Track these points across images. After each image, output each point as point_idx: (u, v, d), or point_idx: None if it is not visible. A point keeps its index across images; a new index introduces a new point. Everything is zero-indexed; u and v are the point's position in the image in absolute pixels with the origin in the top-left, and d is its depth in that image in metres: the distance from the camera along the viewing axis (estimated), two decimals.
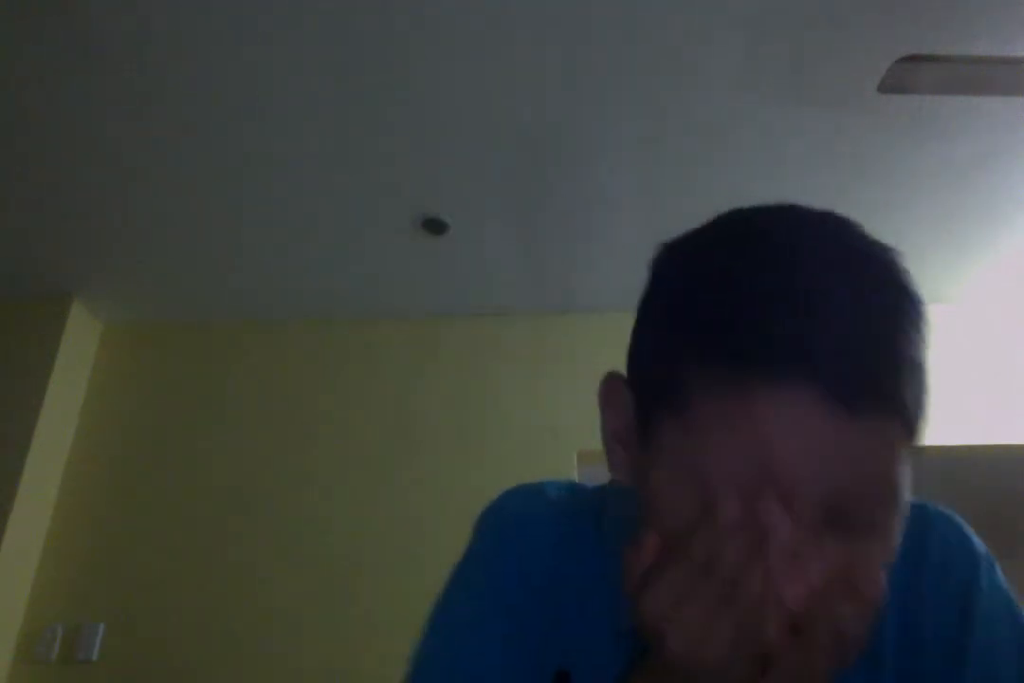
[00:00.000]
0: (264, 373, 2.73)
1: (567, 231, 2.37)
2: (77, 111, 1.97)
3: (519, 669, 0.55)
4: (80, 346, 2.68)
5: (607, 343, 3.08)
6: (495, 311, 2.71)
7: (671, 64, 1.86)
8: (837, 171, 2.16)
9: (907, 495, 0.47)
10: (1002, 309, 2.67)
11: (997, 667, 0.52)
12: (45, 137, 2.06)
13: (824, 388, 0.43)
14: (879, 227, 2.08)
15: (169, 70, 1.87)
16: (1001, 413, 2.51)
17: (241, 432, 2.62)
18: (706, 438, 0.45)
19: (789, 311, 0.45)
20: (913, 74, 1.57)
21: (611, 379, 0.55)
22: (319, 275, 2.62)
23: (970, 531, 0.57)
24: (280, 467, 2.54)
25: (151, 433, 2.64)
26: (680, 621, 0.42)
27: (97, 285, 2.63)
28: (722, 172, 2.16)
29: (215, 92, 1.93)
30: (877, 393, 0.45)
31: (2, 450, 2.42)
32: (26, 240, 2.43)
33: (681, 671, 0.43)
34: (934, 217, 2.32)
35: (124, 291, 2.68)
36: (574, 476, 2.45)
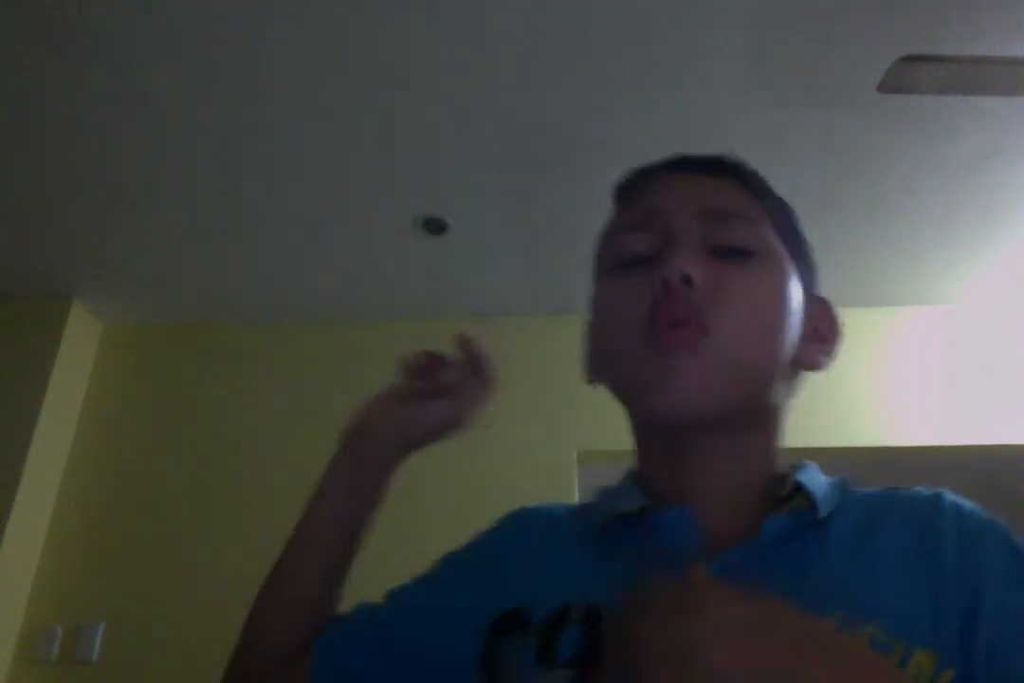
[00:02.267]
0: (264, 374, 2.73)
1: (567, 231, 2.37)
2: (77, 111, 1.98)
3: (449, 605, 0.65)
4: (80, 346, 2.68)
5: None
6: (495, 311, 2.71)
7: (671, 64, 1.86)
8: (837, 171, 2.16)
9: (767, 234, 0.65)
10: (1002, 309, 2.67)
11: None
12: (45, 138, 2.06)
13: (676, 168, 0.68)
14: (879, 227, 2.10)
15: (168, 71, 1.87)
16: (1001, 413, 2.51)
17: (241, 432, 2.62)
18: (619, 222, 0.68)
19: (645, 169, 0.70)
20: (913, 74, 1.57)
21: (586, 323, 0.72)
22: (319, 275, 2.62)
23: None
24: (281, 467, 2.54)
25: (151, 433, 2.64)
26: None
27: (97, 285, 2.63)
28: None
29: (215, 93, 1.93)
30: (714, 166, 0.67)
31: (2, 450, 2.42)
32: (26, 240, 2.43)
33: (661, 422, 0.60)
34: (934, 217, 2.32)
35: (124, 291, 2.68)
36: (574, 476, 2.45)
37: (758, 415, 0.62)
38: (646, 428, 0.65)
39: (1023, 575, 0.55)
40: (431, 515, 2.39)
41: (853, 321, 2.94)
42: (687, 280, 0.58)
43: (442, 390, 0.70)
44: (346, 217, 2.36)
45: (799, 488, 0.59)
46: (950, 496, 0.61)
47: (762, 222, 0.65)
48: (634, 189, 0.69)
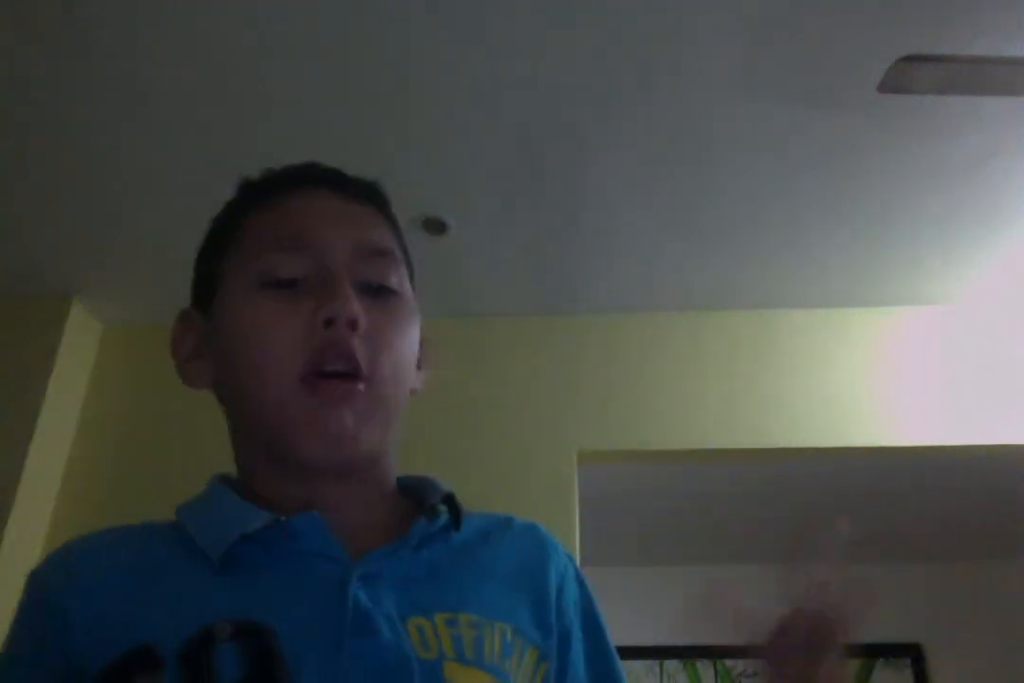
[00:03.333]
0: None
1: (567, 231, 2.37)
2: (76, 111, 1.98)
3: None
4: (80, 346, 2.68)
5: (607, 343, 3.09)
6: (495, 311, 2.71)
7: (670, 64, 1.86)
8: (837, 171, 2.16)
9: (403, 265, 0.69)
10: (1002, 309, 2.67)
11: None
12: (44, 137, 2.06)
13: (324, 185, 0.68)
14: (879, 227, 2.11)
15: (168, 71, 1.87)
16: (1001, 413, 2.51)
17: None
18: (257, 238, 0.65)
19: (291, 168, 0.70)
20: (913, 74, 1.57)
21: (181, 315, 0.71)
22: None
23: None
24: None
25: (151, 433, 2.64)
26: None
27: (97, 285, 2.63)
28: (721, 172, 2.16)
29: (214, 92, 1.93)
30: (362, 193, 0.71)
31: (2, 450, 2.41)
32: (26, 240, 2.43)
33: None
34: (934, 217, 2.32)
35: (124, 291, 2.68)
36: (574, 476, 2.45)
37: (384, 447, 0.66)
38: (273, 460, 0.64)
39: (592, 608, 0.69)
40: None
41: (853, 321, 2.93)
42: (352, 324, 0.59)
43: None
44: None
45: (446, 500, 0.64)
46: (544, 528, 0.72)
47: (400, 259, 0.69)
48: (277, 194, 0.68)
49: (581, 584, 0.70)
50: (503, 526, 0.69)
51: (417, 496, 0.67)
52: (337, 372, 0.59)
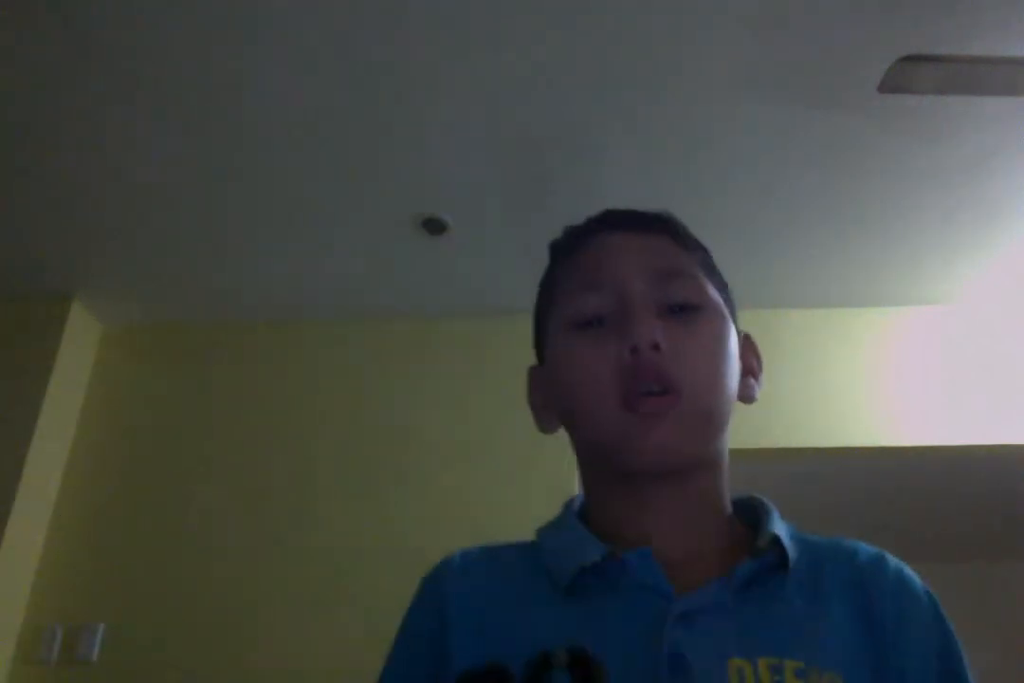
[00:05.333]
0: (264, 374, 2.73)
1: None
2: (76, 112, 1.98)
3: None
4: (80, 347, 2.68)
5: None
6: (495, 311, 2.71)
7: (671, 64, 1.86)
8: (836, 171, 2.16)
9: (711, 290, 0.71)
10: (1002, 309, 2.67)
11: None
12: (44, 137, 2.06)
13: (615, 227, 0.74)
14: (878, 227, 2.11)
15: (167, 71, 1.87)
16: (1001, 413, 2.51)
17: (242, 433, 2.62)
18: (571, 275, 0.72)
19: (587, 220, 0.78)
20: (913, 74, 1.57)
21: (529, 373, 0.78)
22: (319, 276, 2.62)
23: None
24: (281, 468, 2.54)
25: (151, 434, 2.64)
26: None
27: (97, 285, 2.63)
28: (721, 172, 2.16)
29: (214, 93, 1.93)
30: (649, 224, 0.74)
31: (2, 450, 2.42)
32: (26, 240, 2.43)
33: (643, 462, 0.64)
34: (934, 217, 2.32)
35: (124, 291, 2.68)
36: (574, 476, 2.44)
37: (712, 455, 0.68)
38: (611, 477, 0.70)
39: (949, 649, 0.62)
40: (432, 518, 2.39)
41: (853, 321, 2.93)
42: (655, 347, 0.64)
43: None
44: (346, 217, 2.36)
45: (773, 539, 0.63)
46: (893, 559, 0.67)
47: (700, 276, 0.72)
48: (576, 246, 0.74)
49: (942, 634, 0.63)
50: (845, 558, 0.66)
51: (752, 518, 0.68)
52: (651, 391, 0.63)
